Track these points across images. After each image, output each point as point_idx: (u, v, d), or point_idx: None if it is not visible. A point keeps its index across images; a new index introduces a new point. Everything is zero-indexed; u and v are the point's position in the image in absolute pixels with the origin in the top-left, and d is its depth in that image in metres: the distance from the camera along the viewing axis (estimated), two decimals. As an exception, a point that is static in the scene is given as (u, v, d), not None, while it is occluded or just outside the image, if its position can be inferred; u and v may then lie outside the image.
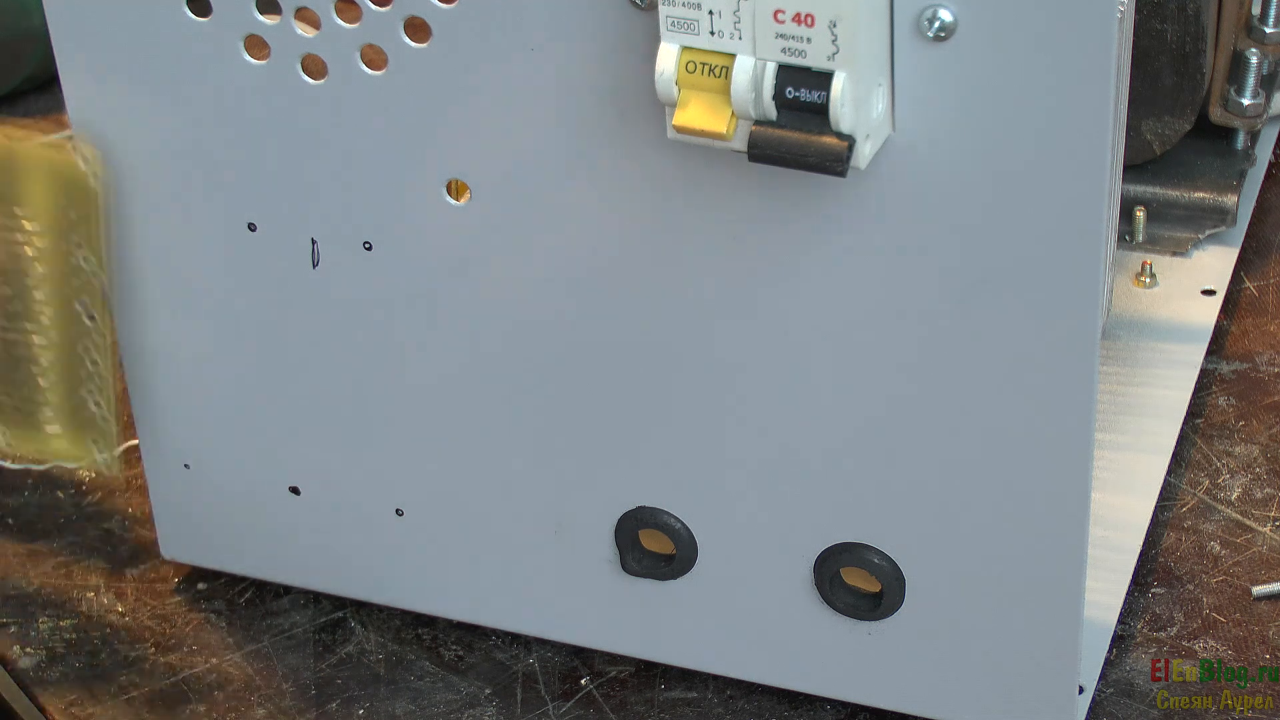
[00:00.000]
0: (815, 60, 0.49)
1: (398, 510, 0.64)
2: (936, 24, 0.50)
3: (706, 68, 0.51)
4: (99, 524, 0.72)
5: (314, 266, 0.61)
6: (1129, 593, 0.66)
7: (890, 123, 0.52)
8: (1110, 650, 0.64)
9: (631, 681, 0.65)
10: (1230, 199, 0.81)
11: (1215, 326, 0.77)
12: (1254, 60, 0.79)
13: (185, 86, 0.59)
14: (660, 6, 0.50)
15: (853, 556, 0.59)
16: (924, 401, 0.56)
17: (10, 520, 0.73)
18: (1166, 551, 0.68)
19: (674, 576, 0.62)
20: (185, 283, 0.63)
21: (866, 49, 0.50)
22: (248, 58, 0.58)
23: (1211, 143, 0.83)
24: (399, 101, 0.57)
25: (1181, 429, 0.72)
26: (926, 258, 0.54)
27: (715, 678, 0.65)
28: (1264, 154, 0.86)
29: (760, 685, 0.64)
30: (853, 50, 0.49)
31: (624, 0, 0.53)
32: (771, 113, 0.50)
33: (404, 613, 0.68)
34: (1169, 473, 0.70)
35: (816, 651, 0.61)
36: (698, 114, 0.51)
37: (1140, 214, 0.81)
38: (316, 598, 0.69)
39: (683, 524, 0.61)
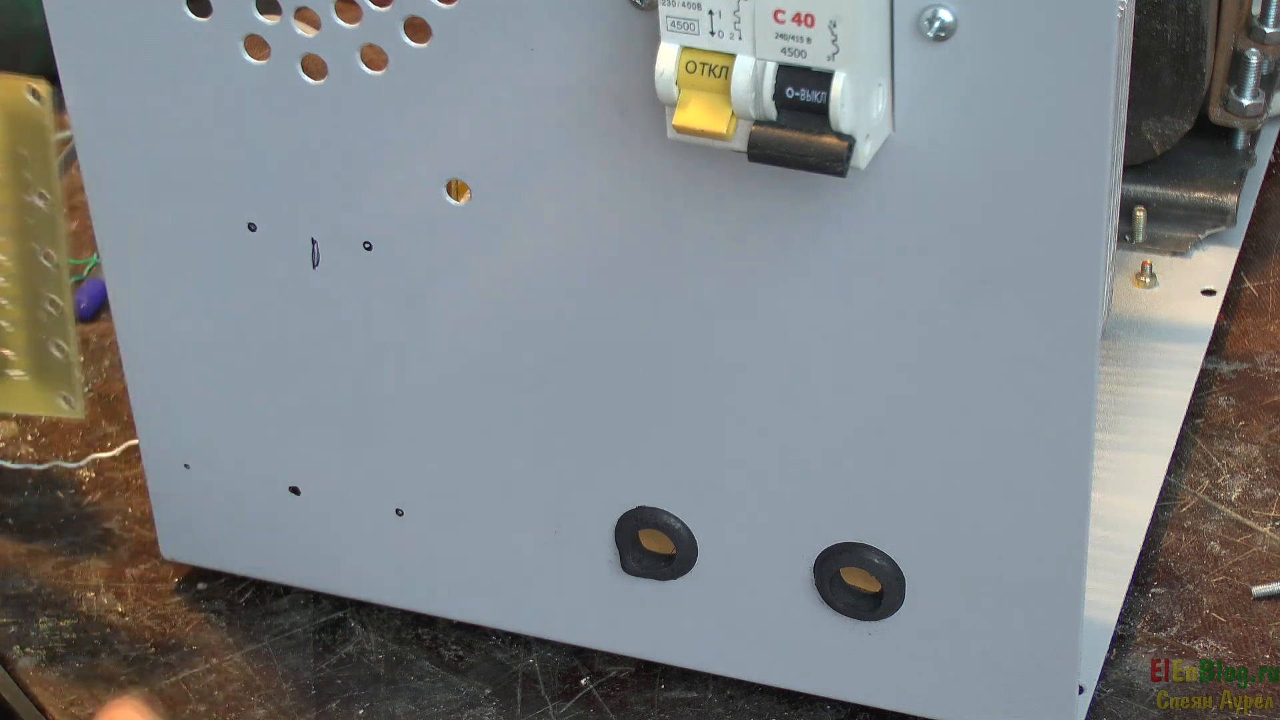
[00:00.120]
0: (815, 60, 0.49)
1: (398, 510, 0.64)
2: (936, 24, 0.50)
3: (706, 68, 0.51)
4: (99, 524, 0.72)
5: (314, 266, 0.61)
6: (1129, 593, 0.66)
7: (890, 123, 0.52)
8: (1110, 650, 0.64)
9: (631, 681, 0.65)
10: (1230, 199, 0.81)
11: (1215, 326, 0.77)
12: (1254, 60, 0.79)
13: (185, 86, 0.59)
14: (660, 6, 0.50)
15: (853, 556, 0.59)
16: (924, 401, 0.56)
17: (10, 520, 0.73)
18: (1166, 551, 0.68)
19: (674, 576, 0.62)
20: (185, 283, 0.63)
21: (866, 49, 0.50)
22: (248, 58, 0.58)
23: (1211, 143, 0.83)
24: (399, 101, 0.57)
25: (1181, 429, 0.72)
26: (926, 258, 0.54)
27: (715, 678, 0.65)
28: (1264, 154, 0.86)
29: (760, 685, 0.64)
30: (853, 50, 0.49)
31: (624, 0, 0.53)
32: (771, 113, 0.50)
33: (404, 613, 0.68)
34: (1169, 473, 0.70)
35: (816, 651, 0.61)
36: (698, 114, 0.51)
37: (1140, 214, 0.81)
38: (316, 598, 0.69)
39: (683, 524, 0.61)
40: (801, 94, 0.50)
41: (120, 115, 0.61)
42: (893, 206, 0.53)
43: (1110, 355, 0.75)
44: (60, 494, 0.74)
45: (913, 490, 0.57)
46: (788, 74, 0.50)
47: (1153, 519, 0.68)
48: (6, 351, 0.64)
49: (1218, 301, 0.78)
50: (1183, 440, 0.72)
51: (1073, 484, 0.56)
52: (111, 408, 0.77)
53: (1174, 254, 0.81)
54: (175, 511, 0.68)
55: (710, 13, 0.50)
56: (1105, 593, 0.65)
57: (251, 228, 0.61)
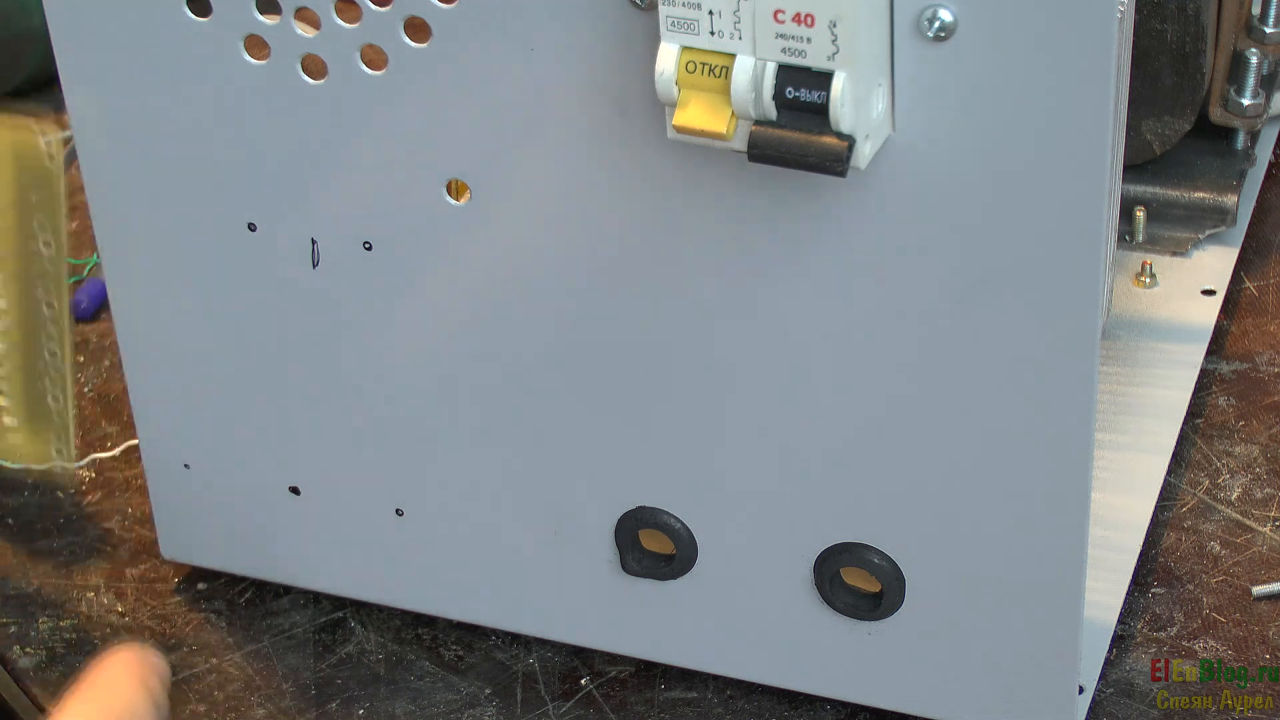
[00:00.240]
0: (815, 60, 0.49)
1: (398, 510, 0.64)
2: (936, 24, 0.50)
3: (706, 68, 0.51)
4: (99, 524, 0.72)
5: (314, 266, 0.61)
6: (1129, 593, 0.66)
7: (890, 123, 0.52)
8: (1110, 650, 0.64)
9: (631, 681, 0.65)
10: (1230, 199, 0.81)
11: (1215, 326, 0.77)
12: (1254, 60, 0.79)
13: (185, 86, 0.59)
14: (660, 6, 0.50)
15: (853, 556, 0.59)
16: (924, 401, 0.56)
17: (10, 520, 0.73)
18: (1166, 551, 0.68)
19: (674, 576, 0.62)
20: (185, 283, 0.63)
21: (866, 49, 0.50)
22: (248, 58, 0.58)
23: (1211, 143, 0.83)
24: (399, 101, 0.57)
25: (1181, 429, 0.72)
26: (926, 258, 0.54)
27: (715, 678, 0.65)
28: (1264, 154, 0.86)
29: (760, 685, 0.64)
30: (853, 50, 0.49)
31: (624, 0, 0.53)
32: (771, 113, 0.50)
33: (404, 613, 0.68)
34: (1169, 473, 0.70)
35: (816, 651, 0.61)
36: (698, 114, 0.51)
37: (1140, 214, 0.81)
38: (316, 598, 0.69)
39: (683, 524, 0.61)
40: (801, 94, 0.50)
41: (120, 115, 0.61)
42: (893, 206, 0.53)
43: (1110, 355, 0.75)
44: (60, 494, 0.74)
45: (913, 490, 0.57)
46: (788, 74, 0.50)
47: (1153, 519, 0.68)
48: (4, 403, 0.64)
49: (1218, 301, 0.78)
50: (1183, 440, 0.72)
51: (1073, 484, 0.56)
52: (111, 408, 0.77)
53: (1174, 254, 0.81)
54: (175, 511, 0.68)
55: (710, 13, 0.50)
56: (1105, 593, 0.65)
57: (251, 228, 0.61)
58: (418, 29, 0.56)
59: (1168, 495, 0.70)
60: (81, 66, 0.61)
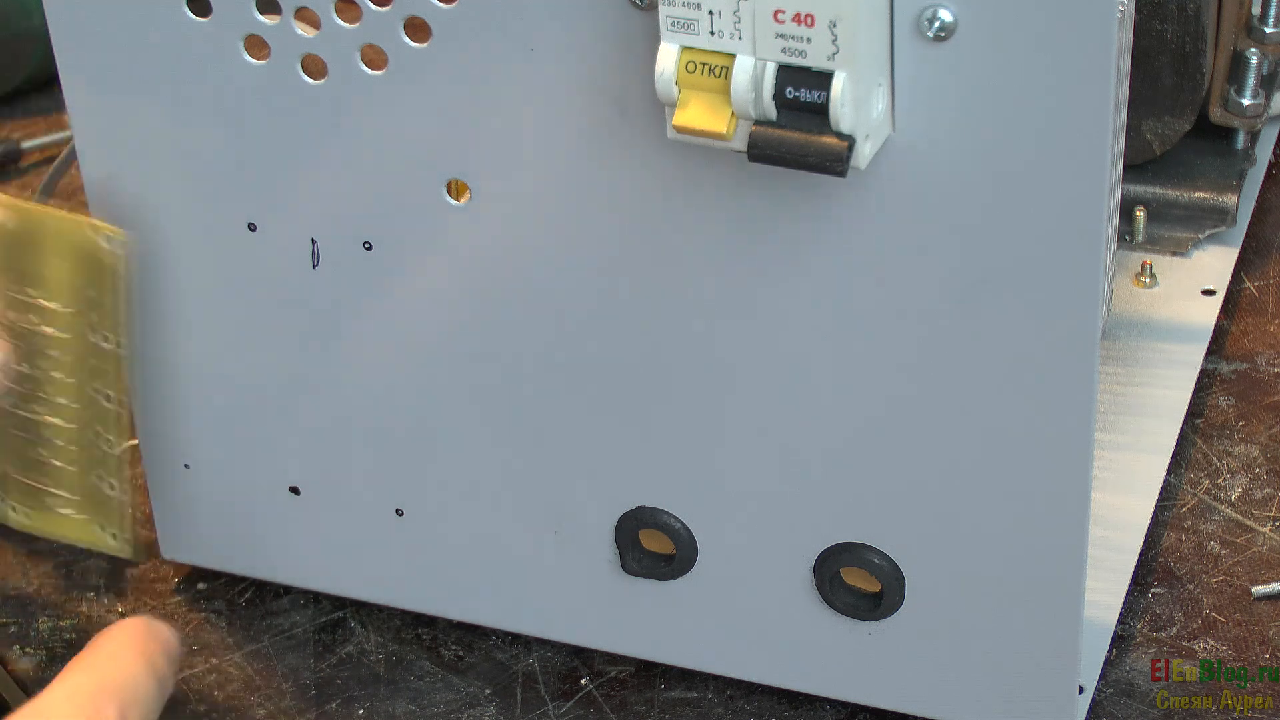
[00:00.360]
0: (815, 60, 0.49)
1: (398, 510, 0.64)
2: (936, 24, 0.50)
3: (706, 68, 0.51)
4: (99, 524, 0.72)
5: (314, 266, 0.61)
6: (1129, 593, 0.66)
7: (890, 123, 0.52)
8: (1110, 650, 0.64)
9: (631, 681, 0.65)
10: (1230, 199, 0.81)
11: (1215, 326, 0.77)
12: (1254, 60, 0.79)
13: (185, 86, 0.59)
14: (660, 6, 0.50)
15: (853, 556, 0.59)
16: (924, 401, 0.56)
17: (10, 520, 0.73)
18: (1166, 551, 0.68)
19: (674, 576, 0.62)
20: (185, 283, 0.63)
21: (866, 49, 0.50)
22: (248, 58, 0.58)
23: (1211, 143, 0.83)
24: (399, 101, 0.57)
25: (1181, 429, 0.72)
26: (926, 258, 0.54)
27: (715, 678, 0.65)
28: (1264, 154, 0.86)
29: (760, 685, 0.64)
30: (853, 50, 0.49)
31: (624, 0, 0.53)
32: (771, 113, 0.50)
33: (404, 613, 0.68)
34: (1169, 473, 0.70)
35: (816, 651, 0.61)
36: (698, 114, 0.51)
37: (1140, 214, 0.81)
38: (316, 598, 0.69)
39: (683, 524, 0.61)
40: (801, 94, 0.50)
41: (120, 115, 0.61)
42: (893, 206, 0.53)
43: (1110, 355, 0.75)
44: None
45: (913, 490, 0.57)
46: (788, 74, 0.50)
47: (1153, 519, 0.68)
48: (60, 492, 0.64)
49: (1218, 301, 0.78)
50: (1183, 440, 0.72)
51: (1073, 484, 0.56)
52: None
53: (1174, 254, 0.81)
54: (175, 511, 0.68)
55: (710, 13, 0.50)
56: (1105, 593, 0.65)
57: (251, 228, 0.61)
58: (418, 29, 0.56)
59: (1168, 495, 0.70)
60: (81, 66, 0.61)
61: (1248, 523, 0.69)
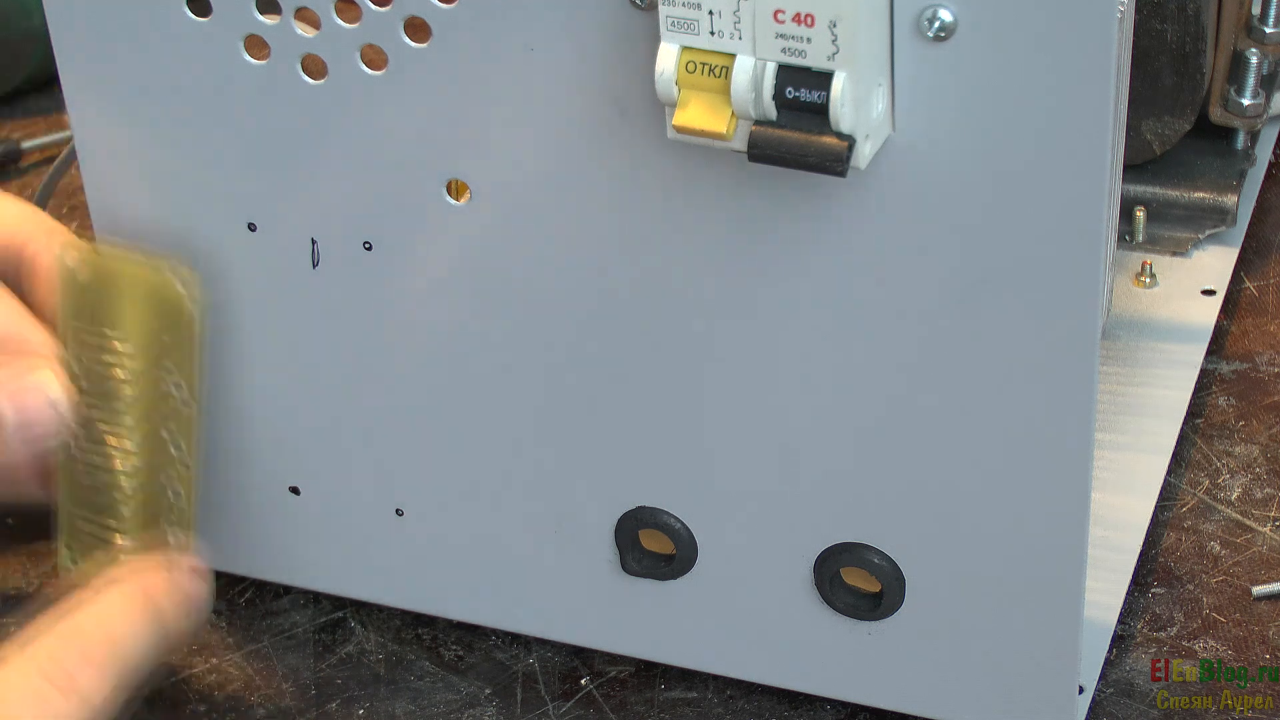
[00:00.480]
0: (815, 60, 0.49)
1: (398, 510, 0.64)
2: (936, 24, 0.50)
3: (706, 68, 0.51)
4: (99, 524, 0.72)
5: (314, 266, 0.61)
6: (1129, 593, 0.66)
7: (890, 123, 0.52)
8: (1110, 650, 0.64)
9: (631, 681, 0.65)
10: (1230, 199, 0.81)
11: (1215, 326, 0.77)
12: (1254, 60, 0.79)
13: (185, 86, 0.59)
14: (660, 6, 0.50)
15: (853, 556, 0.59)
16: (924, 401, 0.56)
17: (10, 520, 0.73)
18: (1166, 551, 0.68)
19: (674, 576, 0.62)
20: (185, 283, 0.63)
21: (866, 49, 0.50)
22: (248, 58, 0.58)
23: (1211, 143, 0.83)
24: (399, 101, 0.57)
25: (1181, 429, 0.72)
26: (926, 258, 0.54)
27: (715, 678, 0.65)
28: (1264, 154, 0.86)
29: (760, 685, 0.64)
30: (853, 50, 0.49)
31: (624, 0, 0.53)
32: (771, 113, 0.50)
33: (404, 613, 0.68)
34: (1169, 473, 0.70)
35: (816, 651, 0.61)
36: (698, 114, 0.51)
37: (1140, 214, 0.81)
38: (316, 598, 0.69)
39: (683, 524, 0.61)
40: (801, 94, 0.50)
41: (120, 115, 0.61)
42: (893, 206, 0.53)
43: (1110, 355, 0.75)
44: (60, 494, 0.74)
45: (913, 490, 0.57)
46: (788, 74, 0.50)
47: (1153, 519, 0.68)
48: (124, 539, 0.64)
49: (1218, 301, 0.78)
50: (1183, 440, 0.72)
51: (1073, 484, 0.56)
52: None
53: (1174, 254, 0.81)
54: (175, 511, 0.68)
55: (710, 13, 0.50)
56: (1105, 593, 0.65)
57: (251, 228, 0.61)
58: (418, 29, 0.56)
59: (1168, 495, 0.70)
60: (81, 66, 0.61)
61: (1248, 523, 0.69)
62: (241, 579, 0.70)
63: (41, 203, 0.78)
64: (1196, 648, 0.64)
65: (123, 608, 0.52)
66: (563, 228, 0.57)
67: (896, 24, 0.50)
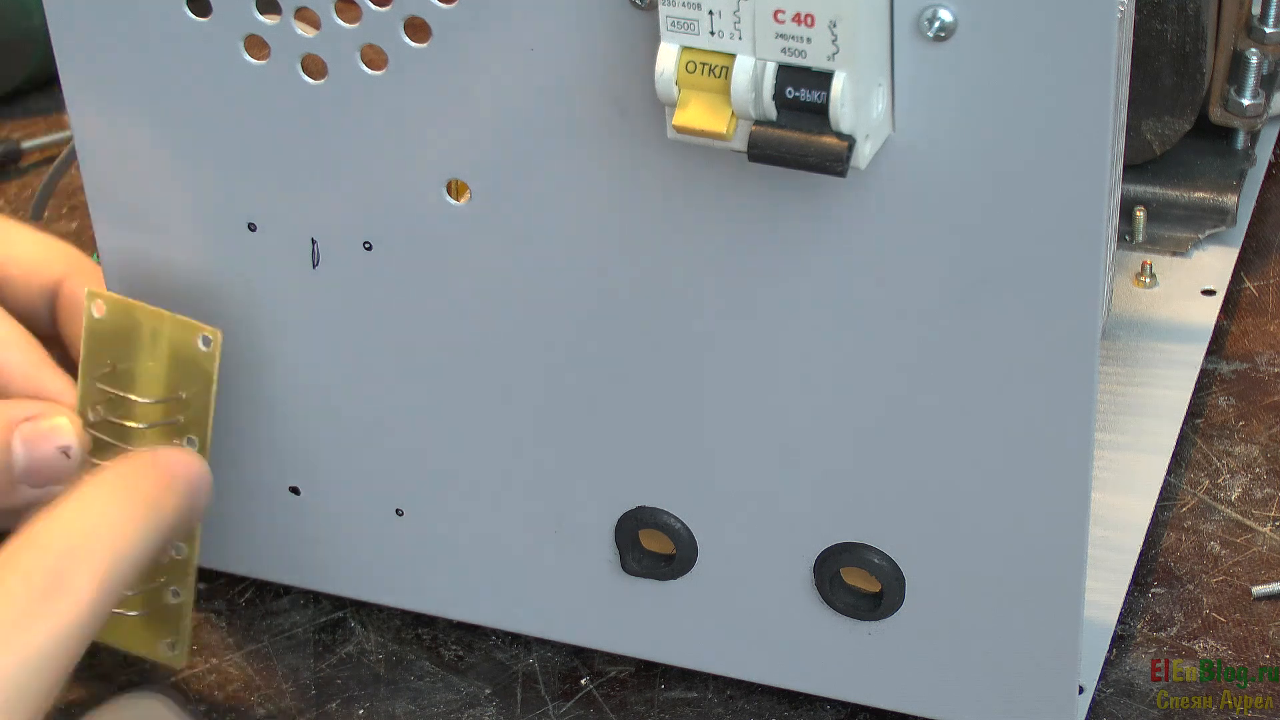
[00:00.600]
0: (815, 60, 0.49)
1: (398, 510, 0.64)
2: (936, 24, 0.50)
3: (706, 68, 0.51)
4: (99, 524, 0.72)
5: (314, 266, 0.61)
6: (1129, 593, 0.66)
7: (890, 123, 0.52)
8: (1110, 650, 0.64)
9: (631, 681, 0.65)
10: (1230, 199, 0.81)
11: (1215, 326, 0.77)
12: (1254, 60, 0.79)
13: (185, 86, 0.59)
14: (660, 6, 0.50)
15: (853, 556, 0.59)
16: (924, 401, 0.56)
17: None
18: (1166, 551, 0.68)
19: (674, 576, 0.62)
20: (185, 283, 0.63)
21: (866, 49, 0.50)
22: (248, 58, 0.58)
23: (1211, 143, 0.83)
24: (399, 101, 0.57)
25: (1181, 429, 0.72)
26: (926, 258, 0.54)
27: (715, 678, 0.65)
28: (1264, 154, 0.86)
29: (760, 685, 0.64)
30: (853, 50, 0.49)
31: (624, 0, 0.53)
32: (771, 113, 0.50)
33: (404, 613, 0.68)
34: (1169, 473, 0.70)
35: (816, 651, 0.61)
36: (698, 114, 0.51)
37: (1140, 214, 0.81)
38: (316, 598, 0.69)
39: (683, 524, 0.61)
40: (801, 94, 0.50)
41: (120, 115, 0.61)
42: (893, 206, 0.53)
43: (1110, 355, 0.75)
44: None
45: (913, 490, 0.57)
46: (788, 74, 0.50)
47: (1153, 519, 0.68)
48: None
49: (1218, 301, 0.78)
50: (1183, 440, 0.72)
51: (1073, 484, 0.56)
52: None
53: (1174, 254, 0.81)
54: (175, 511, 0.68)
55: (710, 13, 0.50)
56: (1105, 593, 0.65)
57: (251, 228, 0.61)
58: (418, 29, 0.56)
59: (1168, 495, 0.70)
60: (81, 66, 0.61)
61: (1248, 523, 0.69)
62: (241, 579, 0.70)
63: (41, 203, 0.78)
64: (1196, 648, 0.64)
65: (104, 497, 0.51)
66: (563, 228, 0.57)
67: (896, 24, 0.50)
